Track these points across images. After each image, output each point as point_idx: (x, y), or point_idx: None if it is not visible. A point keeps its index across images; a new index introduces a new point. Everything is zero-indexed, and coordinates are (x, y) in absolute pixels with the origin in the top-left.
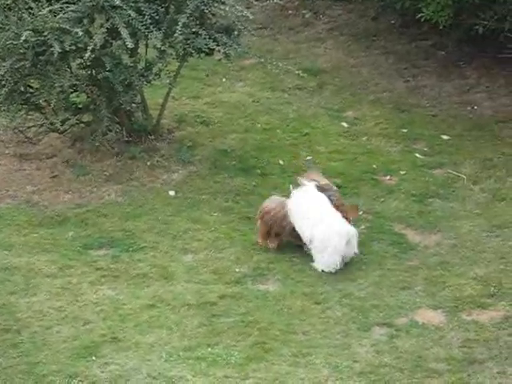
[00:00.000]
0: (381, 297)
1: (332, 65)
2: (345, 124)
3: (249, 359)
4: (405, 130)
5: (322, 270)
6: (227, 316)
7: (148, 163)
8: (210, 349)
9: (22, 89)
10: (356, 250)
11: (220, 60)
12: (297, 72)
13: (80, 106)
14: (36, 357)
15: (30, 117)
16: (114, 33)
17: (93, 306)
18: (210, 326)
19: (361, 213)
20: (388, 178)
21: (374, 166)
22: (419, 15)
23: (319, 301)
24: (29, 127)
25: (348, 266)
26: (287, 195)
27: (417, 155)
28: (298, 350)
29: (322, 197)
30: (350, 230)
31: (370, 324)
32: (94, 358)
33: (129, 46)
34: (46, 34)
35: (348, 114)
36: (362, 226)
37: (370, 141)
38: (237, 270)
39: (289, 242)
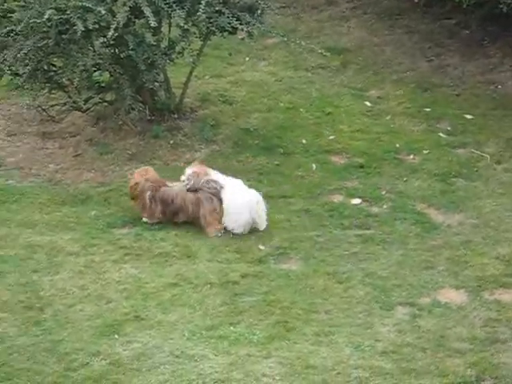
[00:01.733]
0: (403, 276)
1: (355, 44)
2: (368, 103)
3: (271, 338)
4: (428, 110)
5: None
6: (249, 295)
7: (171, 142)
8: (232, 327)
9: (45, 67)
10: (263, 210)
11: (243, 39)
12: (320, 51)
13: (103, 85)
14: (59, 335)
15: (53, 95)
16: (136, 11)
17: (116, 285)
18: (233, 305)
19: (383, 192)
20: (411, 157)
21: (397, 145)
22: None
23: (342, 280)
24: (52, 106)
25: (371, 244)
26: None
27: (440, 134)
28: (321, 329)
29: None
30: (253, 196)
31: (392, 303)
32: (116, 336)
33: (152, 25)
34: (68, 12)
35: (371, 93)
36: (385, 206)
37: (393, 120)
38: (260, 248)
39: (312, 220)
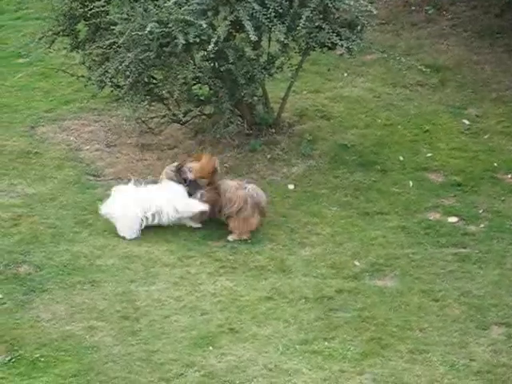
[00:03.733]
0: (500, 296)
1: (454, 61)
2: (466, 121)
3: (365, 354)
4: None
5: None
6: (344, 311)
7: (268, 156)
8: (326, 343)
9: (146, 80)
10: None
11: (341, 55)
12: (420, 67)
13: (202, 98)
14: (154, 345)
15: (152, 107)
16: (237, 25)
17: (211, 297)
18: (327, 320)
19: (481, 211)
20: (509, 176)
21: (495, 164)
22: None
23: (437, 298)
24: (151, 118)
25: (467, 263)
26: None
27: None
28: (415, 346)
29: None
30: None
31: (488, 323)
32: (211, 348)
33: (252, 39)
34: (170, 25)
35: (469, 112)
36: (482, 225)
37: (492, 139)
38: (355, 263)
39: (408, 238)
